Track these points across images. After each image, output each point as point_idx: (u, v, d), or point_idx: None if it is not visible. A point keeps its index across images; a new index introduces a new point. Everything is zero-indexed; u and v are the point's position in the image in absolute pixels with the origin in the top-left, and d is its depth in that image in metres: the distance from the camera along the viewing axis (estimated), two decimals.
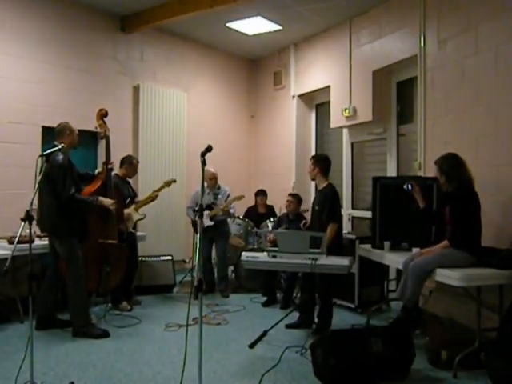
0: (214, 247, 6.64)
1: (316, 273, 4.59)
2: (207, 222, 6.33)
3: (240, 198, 6.48)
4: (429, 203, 4.59)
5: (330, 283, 4.83)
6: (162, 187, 6.02)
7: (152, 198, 5.93)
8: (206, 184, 6.48)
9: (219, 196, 6.54)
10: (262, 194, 7.50)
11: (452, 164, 4.15)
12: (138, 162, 6.02)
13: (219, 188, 6.62)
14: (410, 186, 4.55)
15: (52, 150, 3.79)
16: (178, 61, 7.94)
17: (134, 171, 5.98)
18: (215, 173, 6.50)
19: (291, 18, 6.93)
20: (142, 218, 5.89)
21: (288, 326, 5.01)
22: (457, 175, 4.11)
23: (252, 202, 7.63)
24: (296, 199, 6.33)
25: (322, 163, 4.97)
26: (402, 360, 3.69)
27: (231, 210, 6.53)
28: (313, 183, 7.21)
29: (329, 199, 4.81)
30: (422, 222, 4.70)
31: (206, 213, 6.33)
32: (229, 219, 6.83)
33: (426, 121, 5.61)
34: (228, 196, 6.56)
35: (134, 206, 5.78)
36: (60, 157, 4.45)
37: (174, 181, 6.17)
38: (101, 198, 4.83)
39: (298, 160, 8.09)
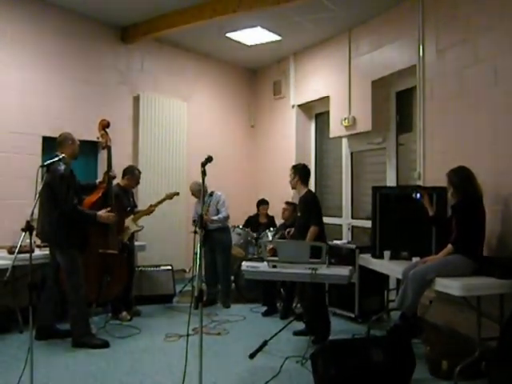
0: None
1: (307, 284, 4.60)
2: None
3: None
4: (437, 211, 4.65)
5: (320, 292, 4.86)
6: (164, 199, 6.02)
7: (151, 211, 5.92)
8: (197, 196, 6.45)
9: (211, 203, 6.40)
10: (264, 203, 7.51)
11: (460, 176, 4.26)
12: (140, 172, 6.00)
13: (211, 195, 6.48)
14: (418, 195, 4.63)
15: (52, 160, 3.81)
16: (178, 71, 7.98)
17: (137, 182, 5.97)
18: (196, 183, 6.37)
19: (290, 29, 6.97)
20: (139, 230, 5.88)
21: (296, 333, 5.07)
22: (464, 187, 4.22)
23: (253, 212, 7.64)
24: (291, 207, 6.36)
25: (302, 172, 5.21)
26: (402, 370, 3.69)
27: (215, 217, 6.28)
28: None
29: (307, 204, 4.99)
30: (434, 229, 4.78)
31: None
32: (238, 230, 6.81)
33: (425, 130, 5.63)
34: (219, 201, 6.41)
35: (132, 216, 5.77)
36: (62, 167, 4.46)
37: (177, 194, 6.15)
38: (99, 214, 4.77)
39: None
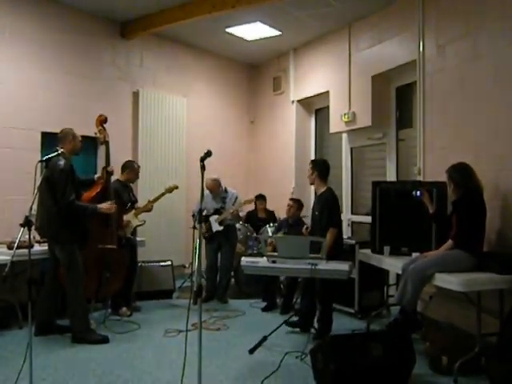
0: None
1: (316, 278, 4.59)
2: (216, 227, 6.32)
3: (250, 201, 6.49)
4: (438, 208, 4.64)
5: (330, 288, 4.83)
6: (163, 194, 6.00)
7: (149, 208, 5.90)
8: (209, 191, 6.45)
9: (227, 199, 6.49)
10: (261, 198, 7.50)
11: (461, 173, 4.26)
12: (139, 166, 6.00)
13: (226, 191, 6.58)
14: (419, 193, 4.63)
15: (51, 155, 3.79)
16: (177, 66, 7.96)
17: (136, 176, 5.97)
18: (214, 180, 6.39)
19: (290, 24, 6.95)
20: (141, 224, 5.87)
21: (287, 323, 5.00)
22: (464, 183, 4.22)
23: (252, 207, 7.62)
24: (297, 204, 6.34)
25: (321, 167, 5.03)
26: (402, 365, 3.68)
27: (241, 214, 6.54)
28: (312, 188, 7.19)
29: (328, 204, 4.86)
30: (434, 226, 4.76)
31: (215, 217, 6.32)
32: (237, 225, 6.83)
33: (426, 126, 5.61)
34: (236, 198, 6.52)
35: (133, 211, 5.77)
36: (62, 162, 4.46)
37: (176, 187, 6.14)
38: (100, 206, 4.81)
39: (298, 165, 8.09)
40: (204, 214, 6.43)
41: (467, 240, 4.08)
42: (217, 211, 6.38)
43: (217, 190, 6.49)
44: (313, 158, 8.18)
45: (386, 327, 4.34)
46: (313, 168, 5.02)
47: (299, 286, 5.59)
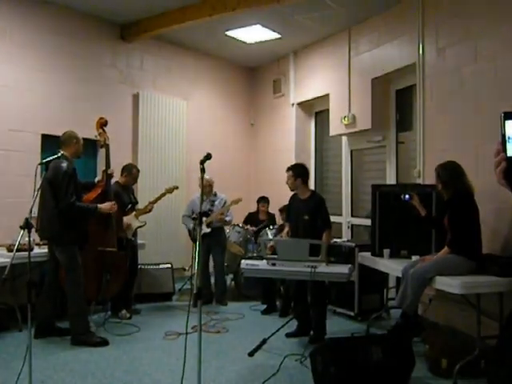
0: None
1: (308, 282, 4.59)
2: (204, 229, 6.32)
3: (237, 201, 6.43)
4: (429, 211, 4.63)
5: (323, 291, 4.85)
6: (164, 194, 6.01)
7: (149, 209, 5.90)
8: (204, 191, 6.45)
9: (216, 203, 6.51)
10: (263, 200, 7.47)
11: (449, 172, 4.21)
12: (138, 170, 5.99)
13: (216, 195, 6.60)
14: (407, 197, 4.59)
15: (51, 158, 3.80)
16: (177, 69, 7.97)
17: (134, 180, 5.97)
18: (210, 180, 6.40)
19: (290, 27, 6.96)
20: (142, 226, 5.87)
21: (288, 335, 5.00)
22: (453, 183, 4.16)
23: (252, 210, 7.62)
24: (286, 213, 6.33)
25: (302, 172, 5.03)
26: (401, 368, 3.68)
27: (227, 218, 6.49)
28: None
29: (323, 206, 4.91)
30: (425, 229, 4.74)
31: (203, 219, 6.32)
32: (229, 226, 6.83)
33: (425, 128, 5.62)
34: (225, 203, 6.53)
35: (134, 213, 5.77)
36: (64, 164, 4.47)
37: (176, 187, 6.15)
38: (100, 206, 4.81)
39: None
40: (193, 216, 6.47)
41: (463, 245, 4.04)
42: (205, 213, 6.38)
43: (209, 190, 6.50)
44: (313, 160, 8.22)
45: (387, 332, 4.34)
46: (294, 176, 4.98)
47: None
